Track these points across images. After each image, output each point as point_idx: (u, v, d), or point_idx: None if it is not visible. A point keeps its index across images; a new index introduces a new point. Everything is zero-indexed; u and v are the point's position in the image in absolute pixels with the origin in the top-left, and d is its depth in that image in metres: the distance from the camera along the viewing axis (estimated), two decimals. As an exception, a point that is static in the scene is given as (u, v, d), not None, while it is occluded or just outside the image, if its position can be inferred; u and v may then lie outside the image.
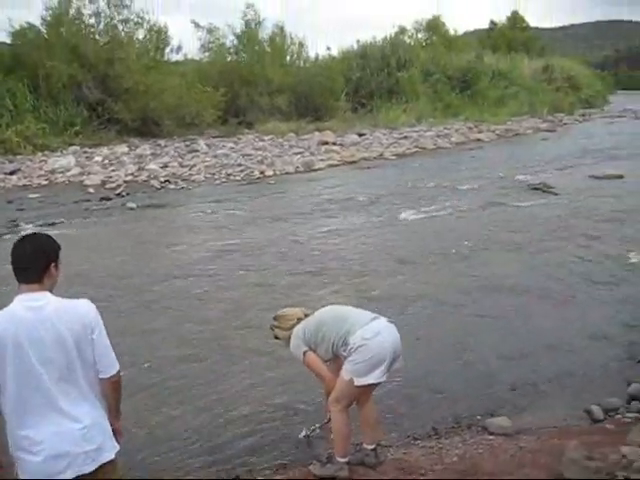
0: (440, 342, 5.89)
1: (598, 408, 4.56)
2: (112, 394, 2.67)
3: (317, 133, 23.11)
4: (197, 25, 26.74)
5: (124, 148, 19.22)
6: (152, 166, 16.46)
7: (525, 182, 14.23)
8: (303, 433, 4.21)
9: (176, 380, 5.16)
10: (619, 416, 4.53)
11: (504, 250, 9.02)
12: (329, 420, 4.04)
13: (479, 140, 23.94)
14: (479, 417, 4.53)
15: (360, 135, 23.12)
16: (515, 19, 52.02)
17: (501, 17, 54.14)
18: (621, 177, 14.65)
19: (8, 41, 22.43)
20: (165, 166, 16.74)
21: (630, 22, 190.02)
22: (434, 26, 38.68)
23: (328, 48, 29.69)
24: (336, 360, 3.83)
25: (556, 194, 12.83)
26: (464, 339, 5.95)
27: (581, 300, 6.96)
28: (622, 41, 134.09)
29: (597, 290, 7.24)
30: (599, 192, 12.99)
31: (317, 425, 4.21)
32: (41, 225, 10.50)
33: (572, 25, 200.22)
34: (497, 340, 5.92)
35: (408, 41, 35.47)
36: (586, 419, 4.52)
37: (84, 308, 2.55)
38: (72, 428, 2.45)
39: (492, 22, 52.98)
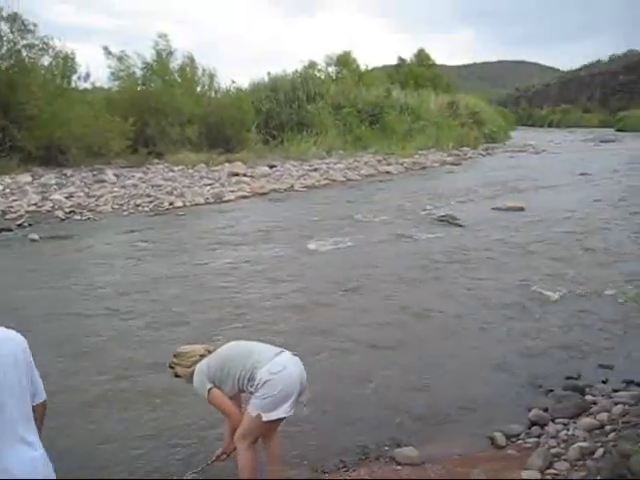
0: (347, 373, 5.89)
1: (501, 435, 4.67)
2: (41, 419, 2.59)
3: (228, 164, 23.03)
4: (108, 52, 26.33)
5: (27, 177, 18.50)
6: (57, 196, 15.94)
7: (432, 214, 14.57)
8: None
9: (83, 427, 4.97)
10: (520, 441, 4.64)
11: (411, 281, 9.16)
12: (217, 458, 3.99)
13: (388, 173, 24.42)
14: (387, 448, 4.54)
15: (271, 167, 23.20)
16: (421, 56, 53.76)
17: (409, 54, 55.82)
18: (522, 209, 15.21)
19: None
20: (70, 196, 16.24)
21: (529, 63, 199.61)
22: (344, 61, 39.40)
23: (233, 82, 29.61)
24: (236, 396, 3.80)
25: (461, 225, 13.19)
26: (371, 369, 5.97)
27: (484, 329, 7.12)
28: (522, 80, 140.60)
29: (499, 319, 7.43)
30: (502, 223, 13.44)
31: (197, 468, 4.09)
32: None
33: (475, 63, 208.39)
34: (404, 370, 5.98)
35: (319, 75, 36.00)
36: (490, 446, 4.60)
37: (18, 334, 2.51)
38: (32, 455, 2.35)
39: (400, 58, 54.55)
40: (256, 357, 3.70)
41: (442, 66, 66.50)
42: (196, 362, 3.85)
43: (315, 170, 23.33)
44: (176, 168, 21.65)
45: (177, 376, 3.96)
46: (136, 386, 5.61)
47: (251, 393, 3.64)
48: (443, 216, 14.06)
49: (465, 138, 36.67)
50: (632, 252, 10.71)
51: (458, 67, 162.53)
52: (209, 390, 3.73)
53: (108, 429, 4.85)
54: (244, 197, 17.84)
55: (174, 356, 3.97)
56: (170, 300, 8.21)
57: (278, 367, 3.62)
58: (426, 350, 6.54)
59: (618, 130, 63.64)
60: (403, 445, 4.53)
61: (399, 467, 4.28)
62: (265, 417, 3.57)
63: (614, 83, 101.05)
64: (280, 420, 3.68)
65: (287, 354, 3.80)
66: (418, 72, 49.86)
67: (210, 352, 3.90)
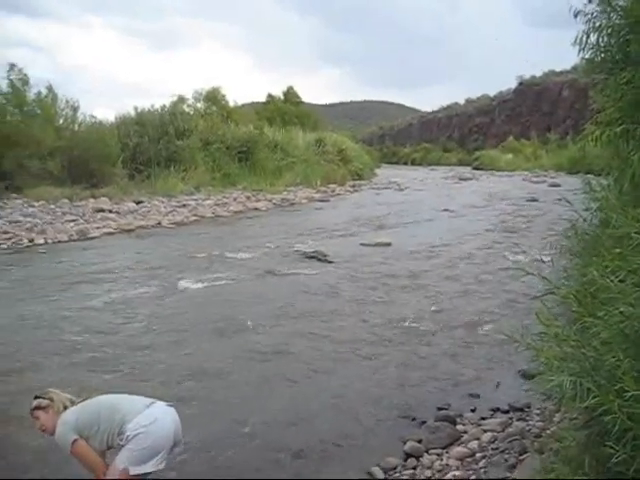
0: (222, 416, 5.74)
1: (378, 469, 4.70)
2: None
3: (92, 200, 22.25)
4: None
5: None
6: None
7: (302, 250, 14.62)
8: None
9: None
10: (397, 474, 4.70)
11: (283, 317, 9.12)
12: None
13: (257, 209, 24.44)
14: (265, 489, 4.45)
15: (137, 203, 22.65)
16: (290, 94, 54.69)
17: (278, 92, 56.56)
18: (389, 244, 15.61)
19: None
20: None
21: (393, 103, 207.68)
22: (213, 97, 39.34)
23: (93, 117, 28.75)
24: (103, 452, 3.61)
25: (331, 262, 13.32)
26: (248, 409, 5.85)
27: (358, 363, 7.18)
28: (387, 120, 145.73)
29: (372, 353, 7.52)
30: (370, 259, 13.71)
31: None
32: None
33: (342, 102, 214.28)
34: (281, 407, 5.91)
35: (187, 110, 35.71)
36: (369, 481, 4.62)
37: None
38: None
39: (269, 95, 55.28)
40: (125, 410, 3.55)
41: (310, 104, 67.89)
42: (62, 409, 3.62)
43: (183, 206, 23.00)
44: (36, 203, 20.62)
45: (39, 408, 3.68)
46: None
47: (122, 447, 3.46)
48: (313, 252, 14.14)
49: (332, 175, 37.35)
50: (494, 284, 11.20)
51: (325, 106, 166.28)
52: (73, 441, 3.51)
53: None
54: (110, 234, 17.27)
55: (39, 398, 3.71)
56: (31, 344, 7.72)
57: (149, 419, 3.49)
58: (302, 386, 6.50)
59: (474, 168, 66.97)
60: (282, 485, 4.45)
61: (277, 508, 4.20)
62: (132, 471, 3.42)
63: (470, 124, 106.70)
64: (149, 473, 3.53)
65: (159, 405, 3.66)
66: (286, 109, 50.61)
67: (75, 403, 3.68)
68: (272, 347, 7.70)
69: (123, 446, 3.46)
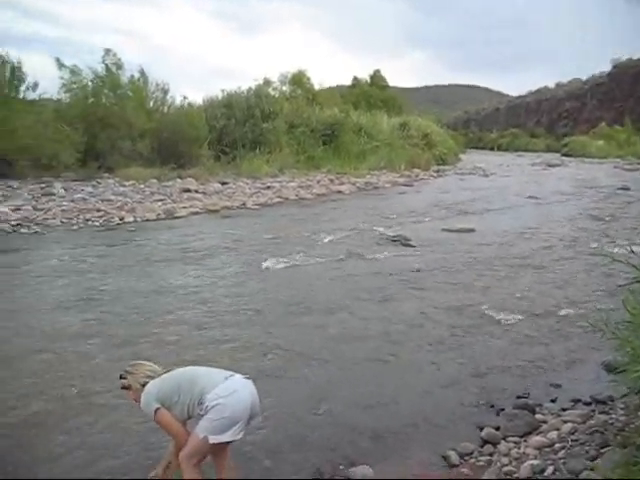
0: (300, 393, 5.85)
1: (454, 453, 4.70)
2: None
3: (179, 180, 22.87)
4: (61, 64, 25.82)
5: (-31, 189, 18.08)
6: (2, 209, 15.53)
7: (384, 234, 14.64)
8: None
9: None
10: (473, 460, 4.67)
11: (365, 300, 9.16)
12: (157, 475, 3.95)
13: (340, 192, 24.51)
14: (342, 467, 4.51)
15: (223, 184, 23.10)
16: (376, 77, 54.44)
17: (363, 75, 56.42)
18: (472, 230, 15.42)
19: None
20: (17, 209, 15.86)
21: (480, 87, 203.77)
22: (298, 80, 39.56)
23: (185, 97, 29.46)
24: (184, 421, 3.77)
25: (413, 246, 13.27)
26: (325, 388, 5.94)
27: (437, 348, 7.16)
28: (473, 104, 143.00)
29: (451, 338, 7.48)
30: (453, 245, 13.60)
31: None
32: None
33: (427, 86, 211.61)
34: (359, 388, 5.96)
35: (273, 93, 36.02)
36: (444, 464, 4.62)
37: None
38: None
39: (355, 79, 55.19)
40: (204, 382, 3.71)
41: (395, 88, 67.28)
42: (149, 379, 3.79)
43: (268, 188, 23.29)
44: (127, 183, 21.35)
45: (125, 388, 3.88)
46: (84, 402, 5.48)
47: (202, 416, 3.61)
48: (395, 236, 14.13)
49: (416, 159, 37.03)
50: (577, 273, 10.93)
51: (410, 89, 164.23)
52: (156, 410, 3.68)
53: (53, 445, 4.73)
54: (196, 213, 17.70)
55: (129, 366, 3.91)
56: (120, 318, 8.03)
57: (227, 391, 3.63)
58: (380, 368, 6.53)
59: (564, 155, 65.08)
60: (358, 464, 4.50)
61: (354, 486, 4.26)
62: (212, 439, 3.57)
63: (560, 109, 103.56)
64: (228, 443, 3.66)
65: (238, 377, 3.79)
66: (372, 93, 50.42)
67: (158, 374, 3.85)
68: (354, 328, 7.77)
69: (203, 416, 3.62)
